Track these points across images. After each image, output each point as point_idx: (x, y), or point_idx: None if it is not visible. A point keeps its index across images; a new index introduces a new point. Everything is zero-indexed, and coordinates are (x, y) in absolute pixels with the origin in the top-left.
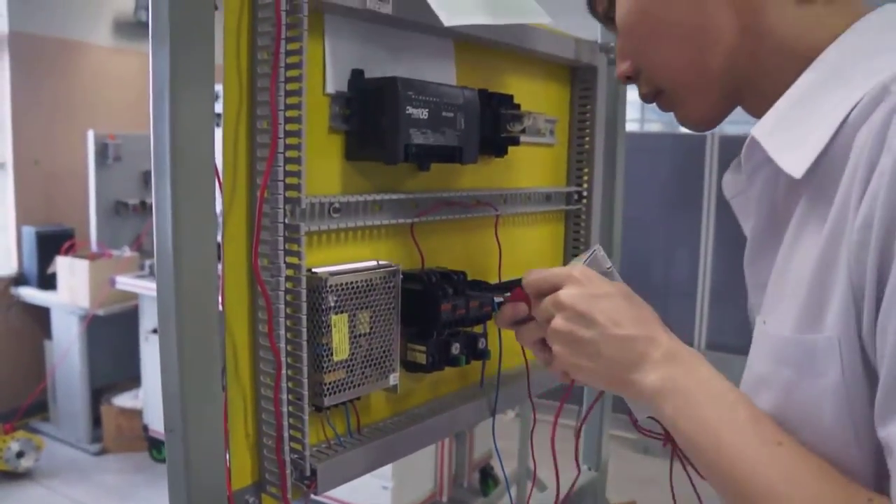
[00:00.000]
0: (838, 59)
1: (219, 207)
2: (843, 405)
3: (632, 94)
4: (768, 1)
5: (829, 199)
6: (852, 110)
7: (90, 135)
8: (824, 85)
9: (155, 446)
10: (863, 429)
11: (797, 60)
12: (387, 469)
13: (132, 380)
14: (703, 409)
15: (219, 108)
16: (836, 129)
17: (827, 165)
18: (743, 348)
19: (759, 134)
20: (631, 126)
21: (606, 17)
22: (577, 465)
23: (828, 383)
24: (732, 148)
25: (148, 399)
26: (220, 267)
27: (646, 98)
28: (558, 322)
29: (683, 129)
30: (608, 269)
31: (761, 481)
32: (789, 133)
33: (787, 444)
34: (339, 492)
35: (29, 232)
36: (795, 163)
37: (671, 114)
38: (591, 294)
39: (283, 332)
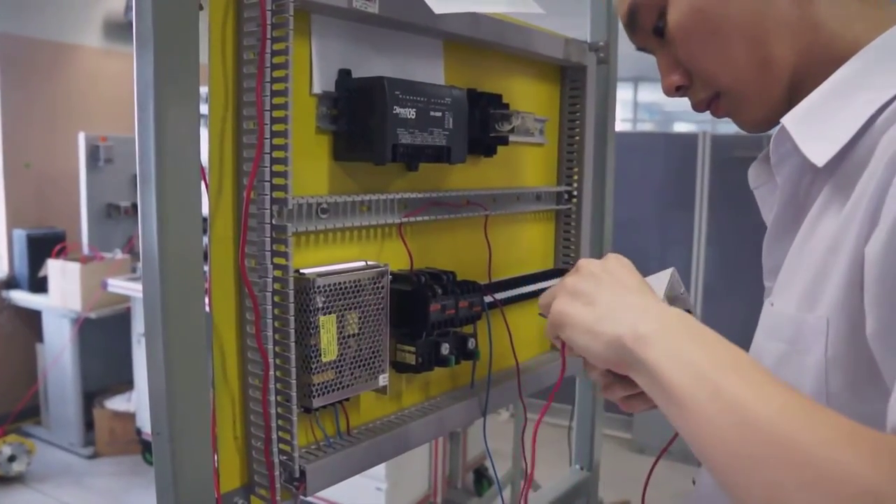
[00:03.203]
0: (873, 59)
1: (205, 208)
2: (821, 384)
3: (622, 93)
4: None
5: (849, 192)
6: (880, 111)
7: (81, 137)
8: (857, 82)
9: (148, 450)
10: (834, 409)
11: (840, 55)
12: (380, 470)
13: (125, 383)
14: (697, 353)
15: (204, 108)
16: (861, 126)
17: (852, 160)
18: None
19: (788, 123)
20: (623, 125)
21: (655, 29)
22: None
23: (811, 361)
24: (724, 147)
25: (141, 402)
26: (206, 268)
27: (700, 106)
28: (567, 279)
29: (676, 129)
30: (682, 293)
31: (776, 422)
32: (817, 124)
33: (791, 387)
34: (332, 493)
35: (20, 235)
36: (819, 152)
37: (663, 113)
38: (601, 261)
39: (270, 333)
